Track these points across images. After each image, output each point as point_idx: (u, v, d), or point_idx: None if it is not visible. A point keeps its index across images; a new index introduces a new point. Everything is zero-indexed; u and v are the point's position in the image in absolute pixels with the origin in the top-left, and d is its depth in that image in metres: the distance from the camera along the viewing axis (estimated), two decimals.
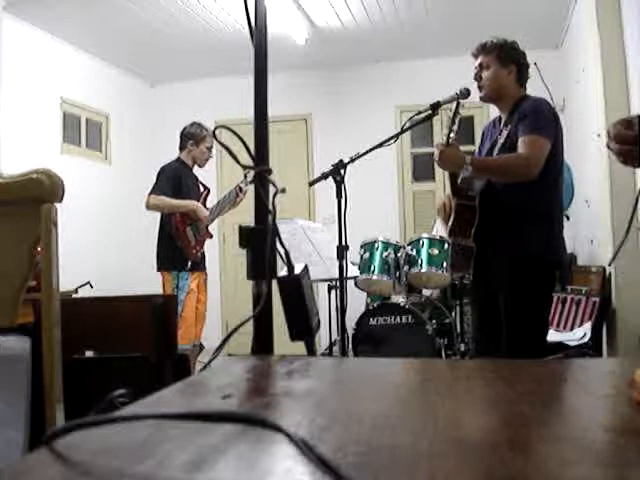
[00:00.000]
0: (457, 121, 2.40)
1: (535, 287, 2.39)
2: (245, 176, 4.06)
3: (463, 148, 2.48)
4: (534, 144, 2.34)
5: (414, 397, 0.72)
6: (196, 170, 4.23)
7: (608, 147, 1.21)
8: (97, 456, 0.46)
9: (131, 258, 5.84)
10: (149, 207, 4.01)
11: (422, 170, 6.35)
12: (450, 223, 2.56)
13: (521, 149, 2.35)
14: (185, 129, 4.18)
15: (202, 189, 4.23)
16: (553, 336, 4.07)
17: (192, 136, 4.13)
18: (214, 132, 1.09)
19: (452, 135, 2.39)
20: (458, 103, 2.41)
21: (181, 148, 4.17)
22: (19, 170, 1.24)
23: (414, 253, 4.05)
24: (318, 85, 6.58)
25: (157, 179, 4.02)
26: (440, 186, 6.12)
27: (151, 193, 3.98)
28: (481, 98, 2.57)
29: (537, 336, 2.41)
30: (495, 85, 2.49)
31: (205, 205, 4.17)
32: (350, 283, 3.88)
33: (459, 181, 2.51)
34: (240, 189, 4.06)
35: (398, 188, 6.42)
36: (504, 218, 2.44)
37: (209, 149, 4.19)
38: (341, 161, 2.53)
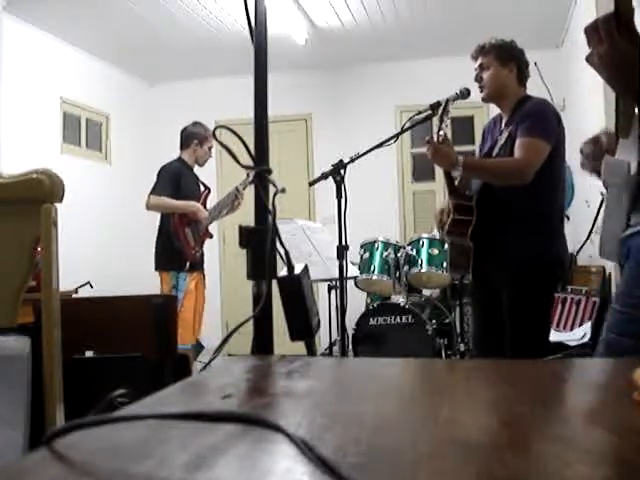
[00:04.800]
0: (446, 119, 2.40)
1: (537, 287, 2.38)
2: (247, 175, 4.05)
3: (463, 148, 2.49)
4: (530, 148, 2.33)
5: (414, 397, 0.72)
6: (196, 170, 4.23)
7: (582, 166, 1.25)
8: (97, 456, 0.46)
9: (131, 258, 5.83)
10: (149, 207, 4.01)
11: (422, 170, 6.35)
12: (448, 222, 2.56)
13: (517, 152, 2.36)
14: (187, 129, 4.17)
15: (203, 189, 4.23)
16: (553, 336, 4.06)
17: (197, 136, 4.13)
18: (214, 132, 1.09)
19: (441, 133, 2.39)
20: (447, 101, 2.42)
21: (183, 147, 4.17)
22: (19, 170, 1.24)
23: (414, 253, 4.05)
24: (318, 85, 6.58)
25: (157, 179, 4.02)
26: (440, 186, 6.10)
27: (151, 193, 3.98)
28: (483, 99, 2.57)
29: (540, 335, 2.41)
30: (496, 84, 2.49)
31: (205, 205, 4.17)
32: (350, 283, 3.88)
33: (456, 182, 2.52)
34: (238, 193, 4.07)
35: (398, 188, 6.42)
36: (503, 218, 2.44)
37: (210, 149, 4.20)
38: (341, 161, 2.53)
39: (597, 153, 1.28)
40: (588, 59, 1.07)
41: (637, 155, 1.06)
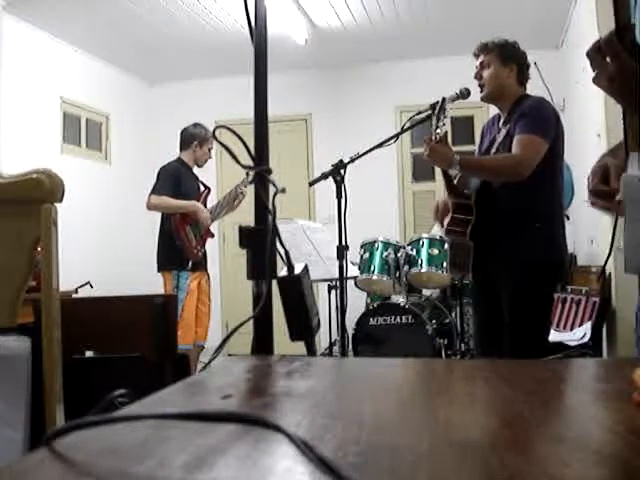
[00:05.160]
0: (443, 118, 2.40)
1: (537, 287, 2.38)
2: (247, 174, 4.04)
3: (463, 148, 2.48)
4: (527, 144, 2.33)
5: (414, 397, 0.72)
6: (196, 170, 4.24)
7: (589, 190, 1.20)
8: (97, 456, 0.46)
9: (131, 258, 5.83)
10: (150, 207, 4.01)
11: (422, 170, 6.34)
12: (447, 222, 2.56)
13: (514, 149, 2.36)
14: (187, 130, 4.17)
15: (202, 189, 4.23)
16: (553, 336, 4.06)
17: (197, 137, 4.13)
18: (214, 132, 1.09)
19: (439, 132, 2.39)
20: (444, 100, 2.41)
21: (183, 148, 4.17)
22: (19, 170, 1.24)
23: (414, 253, 4.05)
24: (318, 85, 6.58)
25: (157, 179, 4.02)
26: (440, 186, 6.09)
27: (152, 193, 3.98)
28: (482, 98, 2.57)
29: (540, 335, 2.41)
30: (496, 84, 2.49)
31: (205, 205, 4.17)
32: (350, 283, 3.88)
33: (455, 181, 2.52)
34: (238, 193, 4.06)
35: (398, 188, 6.42)
36: (503, 218, 2.44)
37: (210, 150, 4.21)
38: (341, 161, 2.53)
39: (602, 192, 1.12)
40: (595, 81, 1.06)
41: None
